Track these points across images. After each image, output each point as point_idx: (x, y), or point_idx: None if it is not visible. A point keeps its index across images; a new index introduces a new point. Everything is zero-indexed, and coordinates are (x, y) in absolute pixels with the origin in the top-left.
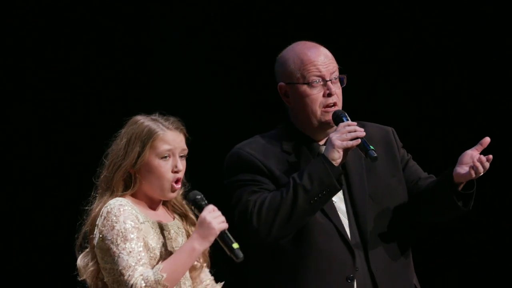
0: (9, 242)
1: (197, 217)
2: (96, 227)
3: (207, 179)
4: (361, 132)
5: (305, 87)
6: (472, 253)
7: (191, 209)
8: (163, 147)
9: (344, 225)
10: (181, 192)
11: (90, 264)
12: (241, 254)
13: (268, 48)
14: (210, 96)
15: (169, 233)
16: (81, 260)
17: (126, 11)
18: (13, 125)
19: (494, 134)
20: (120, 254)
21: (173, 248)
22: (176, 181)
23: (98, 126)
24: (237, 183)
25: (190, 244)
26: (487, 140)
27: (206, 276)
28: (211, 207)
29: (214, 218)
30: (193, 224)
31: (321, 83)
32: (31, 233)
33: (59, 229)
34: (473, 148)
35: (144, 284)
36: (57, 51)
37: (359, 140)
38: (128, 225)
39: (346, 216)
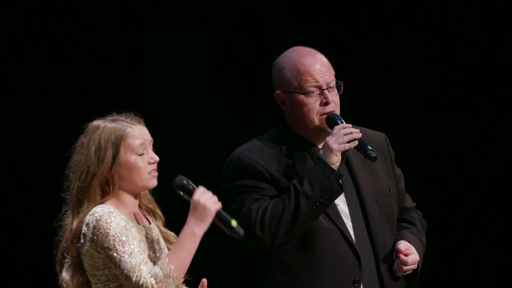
0: (9, 242)
1: (168, 214)
2: (82, 237)
3: (206, 179)
4: (357, 133)
5: (302, 96)
6: (470, 258)
7: (159, 206)
8: (136, 142)
9: (348, 228)
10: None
11: (78, 275)
12: (241, 231)
13: (268, 48)
14: (209, 96)
15: (151, 236)
16: (66, 273)
17: (126, 10)
18: (13, 125)
19: (494, 134)
20: (121, 258)
21: (158, 250)
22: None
23: None
24: (238, 189)
25: (190, 230)
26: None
27: None
28: (201, 189)
29: (208, 199)
30: (161, 219)
31: (318, 92)
32: (31, 233)
33: (59, 229)
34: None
35: (154, 281)
36: (57, 51)
37: (356, 142)
38: (122, 228)
39: (350, 219)
